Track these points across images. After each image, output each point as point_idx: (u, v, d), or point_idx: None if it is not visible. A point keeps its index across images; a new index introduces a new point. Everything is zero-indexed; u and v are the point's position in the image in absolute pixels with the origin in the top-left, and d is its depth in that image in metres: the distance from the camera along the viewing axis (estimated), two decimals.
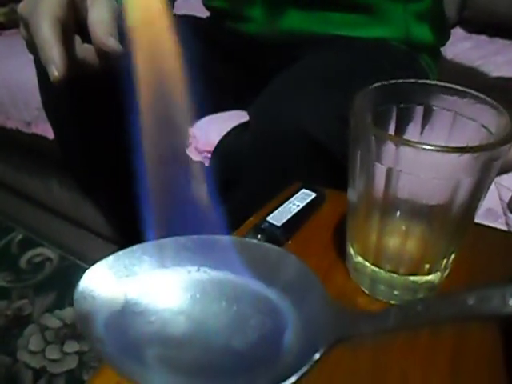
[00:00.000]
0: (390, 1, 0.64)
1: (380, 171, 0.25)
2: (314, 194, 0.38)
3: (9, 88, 1.00)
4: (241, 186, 0.51)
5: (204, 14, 0.78)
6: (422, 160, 0.24)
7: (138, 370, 0.16)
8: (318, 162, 0.47)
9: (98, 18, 0.40)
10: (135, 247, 0.19)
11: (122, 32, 0.45)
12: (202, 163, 0.68)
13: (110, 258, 0.18)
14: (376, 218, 0.27)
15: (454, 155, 0.24)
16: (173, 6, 0.75)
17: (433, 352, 0.28)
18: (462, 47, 1.01)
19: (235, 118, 0.68)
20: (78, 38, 0.42)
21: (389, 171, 0.25)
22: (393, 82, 0.29)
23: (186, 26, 0.73)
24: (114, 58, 0.40)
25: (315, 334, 0.16)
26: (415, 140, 0.24)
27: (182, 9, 0.78)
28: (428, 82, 0.30)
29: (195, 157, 0.68)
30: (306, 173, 0.48)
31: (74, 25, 0.41)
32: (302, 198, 0.38)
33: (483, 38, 1.06)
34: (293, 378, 0.15)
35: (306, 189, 0.39)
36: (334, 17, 0.64)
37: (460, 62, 0.95)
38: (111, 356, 0.16)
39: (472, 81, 0.84)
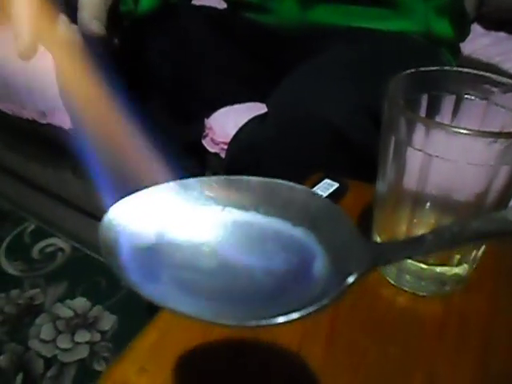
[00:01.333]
0: None
1: (413, 157, 0.25)
2: (336, 184, 0.38)
3: (25, 78, 1.00)
4: (261, 175, 0.51)
5: (221, 5, 0.78)
6: (457, 145, 0.24)
7: (163, 293, 0.16)
8: (339, 153, 0.46)
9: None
10: (160, 186, 0.18)
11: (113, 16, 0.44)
12: (218, 155, 0.68)
13: (135, 194, 0.18)
14: (407, 207, 0.27)
15: (489, 140, 0.23)
16: None
17: (461, 351, 0.27)
18: (480, 43, 1.00)
19: (252, 109, 0.67)
20: (65, 19, 0.41)
21: (422, 156, 0.24)
22: (424, 69, 0.29)
23: (203, 16, 0.73)
24: (96, 43, 0.40)
25: (347, 262, 0.16)
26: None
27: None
28: (460, 69, 0.30)
29: (211, 148, 0.68)
30: (327, 163, 0.48)
31: (62, 5, 0.41)
32: (324, 188, 0.37)
33: (502, 34, 1.04)
34: (325, 301, 0.14)
35: (329, 179, 0.38)
36: (356, 10, 0.64)
37: (478, 58, 0.94)
38: (136, 283, 0.15)
39: None
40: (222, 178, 0.19)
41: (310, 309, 0.14)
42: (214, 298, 0.16)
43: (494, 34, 1.04)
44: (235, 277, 0.17)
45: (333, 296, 0.14)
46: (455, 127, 0.23)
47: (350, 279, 0.15)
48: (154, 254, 0.17)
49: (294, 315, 0.14)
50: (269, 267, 0.17)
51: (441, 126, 0.24)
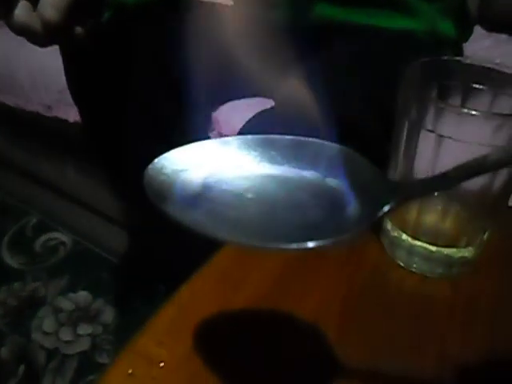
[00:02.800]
0: None
1: (425, 140, 0.26)
2: None
3: (29, 72, 1.01)
4: None
5: (229, 1, 0.79)
6: (467, 128, 0.25)
7: (203, 223, 0.17)
8: (348, 142, 0.47)
9: None
10: (201, 142, 0.20)
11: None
12: None
13: (178, 148, 0.20)
14: None
15: (498, 123, 0.24)
16: None
17: (469, 328, 0.28)
18: (481, 45, 1.01)
19: (259, 104, 0.68)
20: (27, 4, 0.40)
21: (434, 138, 0.26)
22: (436, 59, 0.30)
23: (210, 13, 0.74)
24: (50, 31, 0.39)
25: (379, 201, 0.17)
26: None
27: None
28: (470, 61, 0.31)
29: None
30: None
31: None
32: None
33: (503, 36, 1.06)
34: (362, 226, 0.16)
35: None
36: (359, 7, 0.65)
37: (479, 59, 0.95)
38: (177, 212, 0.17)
39: None
40: (258, 136, 0.20)
41: (346, 234, 0.15)
42: (251, 230, 0.17)
43: (495, 35, 1.06)
44: (273, 217, 0.18)
45: (368, 221, 0.16)
46: (466, 108, 0.25)
47: (386, 208, 0.16)
48: (199, 195, 0.19)
49: (330, 240, 0.15)
50: (304, 210, 0.18)
51: (452, 107, 0.25)
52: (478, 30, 1.08)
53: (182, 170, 0.19)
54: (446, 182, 0.17)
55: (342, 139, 0.48)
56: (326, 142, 0.20)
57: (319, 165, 0.20)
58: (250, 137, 0.21)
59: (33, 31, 0.41)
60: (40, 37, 0.41)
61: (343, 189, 0.19)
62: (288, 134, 0.52)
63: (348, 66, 0.54)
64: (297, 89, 0.54)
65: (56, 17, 0.39)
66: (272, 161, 0.20)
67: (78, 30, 0.43)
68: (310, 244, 0.15)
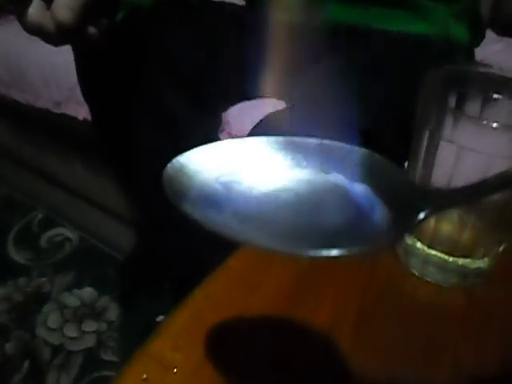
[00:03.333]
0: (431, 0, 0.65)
1: (445, 150, 0.26)
2: None
3: (41, 68, 1.01)
4: None
5: (241, 1, 0.79)
6: (486, 140, 0.25)
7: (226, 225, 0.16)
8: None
9: None
10: (223, 141, 0.20)
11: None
12: None
13: (199, 148, 0.19)
14: None
15: None
16: None
17: (483, 337, 0.28)
18: (492, 49, 1.00)
19: (269, 105, 0.68)
20: (41, 3, 0.40)
21: (454, 148, 0.26)
22: (456, 68, 0.30)
23: (222, 13, 0.74)
24: (63, 31, 0.39)
25: (411, 208, 0.16)
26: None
27: None
28: (489, 71, 0.31)
29: None
30: None
31: None
32: None
33: None
34: (393, 234, 0.15)
35: None
36: (374, 11, 0.65)
37: (489, 64, 0.95)
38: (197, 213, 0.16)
39: None
40: (280, 138, 0.20)
41: (379, 242, 0.15)
42: (274, 234, 0.16)
43: (506, 40, 1.05)
44: (297, 221, 0.17)
45: (403, 229, 0.15)
46: (485, 120, 0.25)
47: (421, 215, 0.15)
48: (220, 196, 0.18)
49: (362, 248, 0.14)
50: (330, 215, 0.17)
51: (471, 119, 0.25)
52: (489, 34, 1.08)
53: (202, 170, 0.18)
54: (486, 191, 0.16)
55: (356, 144, 0.48)
56: (351, 146, 0.19)
57: (345, 169, 0.19)
58: (272, 138, 0.20)
59: (46, 31, 0.41)
60: (53, 36, 0.41)
61: (371, 195, 0.18)
62: (300, 137, 0.52)
63: (361, 69, 0.54)
64: (310, 91, 0.54)
65: (70, 17, 0.39)
66: (295, 163, 0.19)
67: (92, 30, 0.43)
68: (341, 252, 0.14)
